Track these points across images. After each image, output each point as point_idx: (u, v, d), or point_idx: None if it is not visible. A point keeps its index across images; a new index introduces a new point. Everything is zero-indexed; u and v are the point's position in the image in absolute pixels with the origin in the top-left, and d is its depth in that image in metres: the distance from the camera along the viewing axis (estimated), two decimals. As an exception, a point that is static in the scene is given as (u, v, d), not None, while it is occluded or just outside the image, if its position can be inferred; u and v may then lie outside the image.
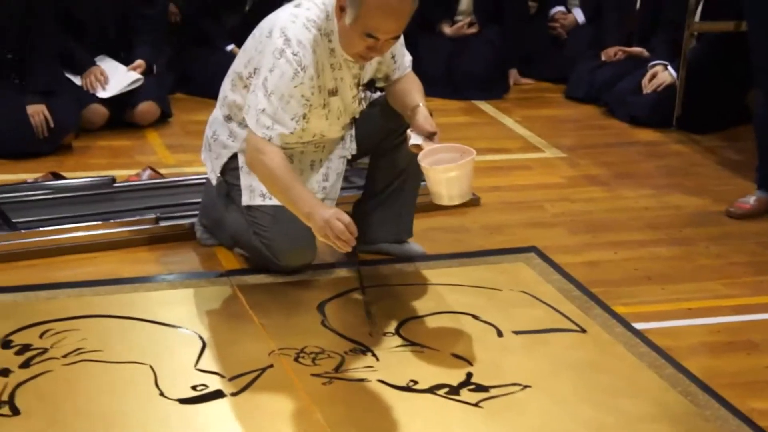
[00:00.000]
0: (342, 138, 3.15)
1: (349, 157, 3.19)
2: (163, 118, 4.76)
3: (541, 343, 2.85)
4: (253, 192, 3.04)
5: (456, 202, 2.80)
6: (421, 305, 3.04)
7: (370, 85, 3.07)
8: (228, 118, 3.11)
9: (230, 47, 5.23)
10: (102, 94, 4.56)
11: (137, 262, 3.28)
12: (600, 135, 4.88)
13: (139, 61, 4.69)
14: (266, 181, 2.89)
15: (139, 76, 4.64)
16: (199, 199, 3.54)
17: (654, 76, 5.01)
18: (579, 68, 5.44)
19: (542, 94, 5.58)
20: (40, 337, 2.77)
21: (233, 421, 2.43)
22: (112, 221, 3.43)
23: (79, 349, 2.71)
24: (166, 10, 5.23)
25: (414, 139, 2.87)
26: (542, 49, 5.76)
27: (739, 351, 2.88)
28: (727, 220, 3.83)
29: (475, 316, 2.99)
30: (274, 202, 2.97)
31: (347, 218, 2.69)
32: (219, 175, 3.17)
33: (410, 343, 2.82)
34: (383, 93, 3.16)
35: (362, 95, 3.07)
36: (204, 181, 3.74)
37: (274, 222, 3.02)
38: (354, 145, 3.18)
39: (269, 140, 2.85)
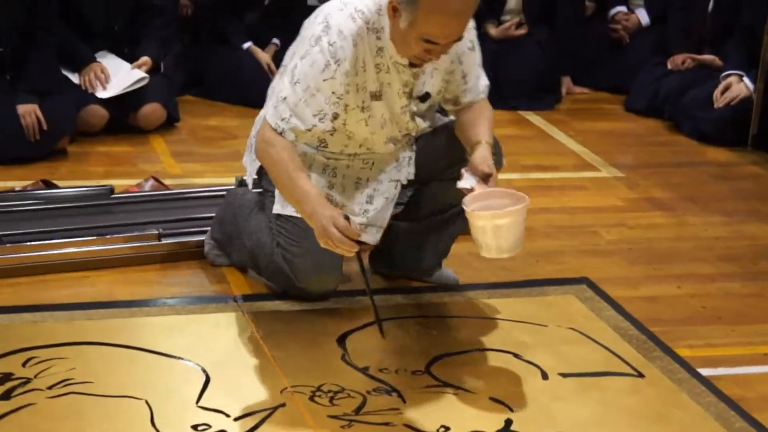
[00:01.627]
0: (396, 159, 3.13)
1: (404, 183, 3.16)
2: (169, 123, 4.80)
3: (591, 387, 2.82)
4: (286, 202, 3.04)
5: (505, 256, 2.79)
6: (455, 341, 3.02)
7: (425, 98, 3.03)
8: None
9: (247, 45, 5.26)
10: (102, 93, 4.60)
11: (136, 284, 3.28)
12: (664, 153, 4.87)
13: (144, 58, 4.72)
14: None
15: (144, 74, 4.67)
16: (208, 214, 3.55)
17: (727, 88, 4.99)
18: (641, 77, 5.44)
19: (599, 105, 5.58)
20: (23, 365, 2.76)
21: (238, 466, 2.42)
22: (108, 237, 3.43)
23: (66, 380, 2.70)
24: (177, 1, 5.27)
25: (466, 179, 2.84)
26: (600, 55, 5.76)
27: (821, 403, 2.83)
28: (809, 253, 3.80)
29: (516, 355, 2.96)
30: None
31: (343, 222, 2.71)
32: (255, 177, 3.18)
33: (442, 383, 2.79)
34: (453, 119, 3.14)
35: (414, 108, 3.04)
36: (215, 193, 3.78)
37: (304, 237, 3.01)
38: (412, 170, 3.15)
39: (282, 133, 2.87)
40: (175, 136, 4.74)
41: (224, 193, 3.80)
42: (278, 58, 5.23)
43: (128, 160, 4.39)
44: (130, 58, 4.74)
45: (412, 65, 2.91)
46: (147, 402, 2.62)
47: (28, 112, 4.23)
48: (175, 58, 5.13)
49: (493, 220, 2.72)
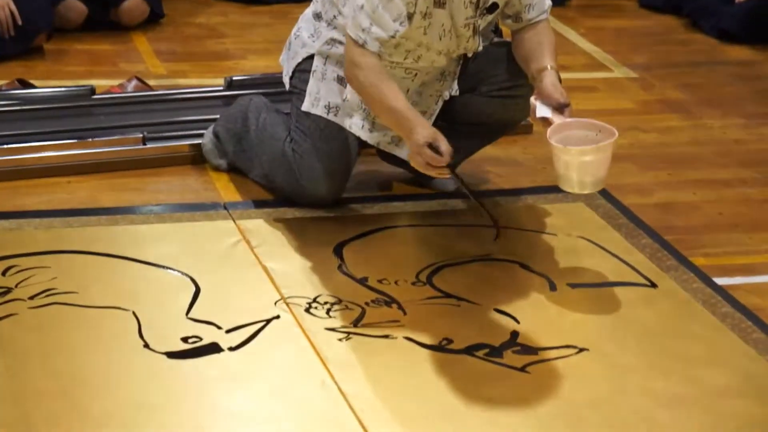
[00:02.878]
0: (442, 73, 3.12)
1: (447, 98, 3.16)
2: (152, 19, 4.75)
3: (602, 298, 2.84)
4: (317, 101, 3.06)
5: (587, 191, 2.86)
6: (458, 250, 3.03)
7: (493, 9, 2.99)
8: (317, 16, 3.12)
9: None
10: (80, -13, 4.55)
11: (119, 190, 3.28)
12: (681, 52, 4.85)
13: (125, -50, 4.65)
14: (363, 98, 2.95)
15: (126, -34, 4.61)
16: (195, 117, 3.55)
17: (751, -19, 4.94)
18: (657, -31, 5.38)
19: (613, 0, 5.53)
20: (3, 274, 2.77)
21: (230, 380, 2.44)
22: (89, 140, 3.42)
23: (49, 290, 2.71)
24: None
25: (540, 110, 2.85)
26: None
27: (843, 312, 2.86)
28: (834, 158, 3.80)
29: (524, 265, 2.97)
30: (337, 119, 3.02)
31: (442, 144, 2.76)
32: (290, 77, 3.18)
33: (445, 294, 2.81)
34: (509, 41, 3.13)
35: (479, 21, 3.00)
36: (203, 95, 3.77)
37: (321, 138, 3.05)
38: (456, 86, 3.15)
39: (364, 45, 2.87)
40: (159, 33, 4.69)
41: (212, 94, 3.82)
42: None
43: (109, 59, 4.36)
44: (111, -51, 4.67)
45: None
46: (134, 313, 2.64)
47: (1, 5, 4.18)
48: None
49: (581, 156, 2.75)
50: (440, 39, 2.99)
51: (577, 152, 2.76)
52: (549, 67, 2.92)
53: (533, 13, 3.05)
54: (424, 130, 2.80)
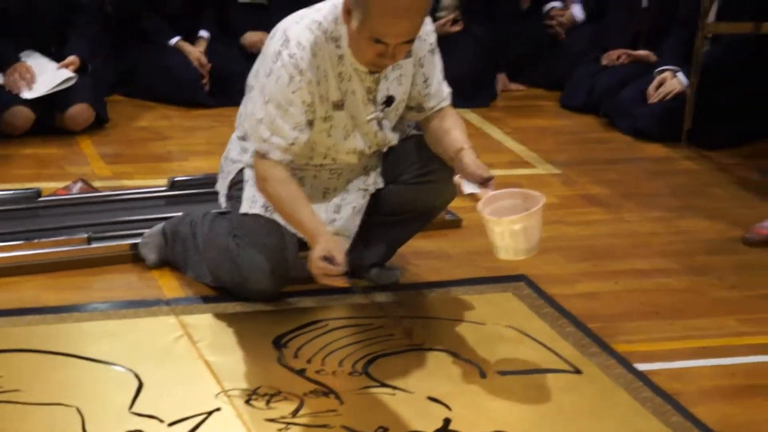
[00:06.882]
0: (364, 169, 3.16)
1: (372, 192, 3.19)
2: (98, 124, 4.76)
3: (530, 385, 2.85)
4: (255, 203, 3.07)
5: (522, 257, 2.83)
6: (392, 341, 3.03)
7: (389, 102, 3.05)
8: (242, 138, 3.16)
9: (175, 40, 5.22)
10: (27, 94, 4.55)
11: (64, 289, 3.26)
12: (600, 149, 4.92)
13: (71, 58, 4.68)
14: (276, 209, 2.99)
15: (72, 74, 4.63)
16: (139, 217, 3.57)
17: (662, 84, 5.06)
18: (577, 73, 5.49)
19: (535, 102, 5.63)
20: (-51, 373, 2.73)
21: (173, 472, 2.41)
22: (36, 241, 3.41)
23: (-6, 388, 2.68)
24: (102, -2, 5.23)
25: (467, 187, 2.88)
26: (535, 51, 5.80)
27: (757, 396, 2.89)
28: (744, 247, 3.86)
29: (454, 354, 2.98)
30: (275, 216, 3.03)
31: (337, 256, 2.76)
32: (227, 191, 3.20)
33: (380, 383, 2.81)
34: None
35: (381, 115, 3.05)
36: (146, 195, 3.79)
37: (262, 233, 3.05)
38: (380, 180, 3.19)
39: (266, 155, 2.91)
40: (104, 137, 4.70)
41: (155, 194, 3.82)
42: (209, 52, 5.24)
43: (55, 162, 4.35)
44: (57, 57, 4.69)
45: (372, 72, 2.94)
46: (78, 409, 2.60)
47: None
48: (104, 57, 5.08)
49: (512, 225, 2.75)
50: (345, 139, 3.04)
51: (509, 222, 2.76)
52: (465, 146, 2.95)
53: (433, 101, 3.09)
54: (321, 241, 2.80)
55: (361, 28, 2.78)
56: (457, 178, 2.91)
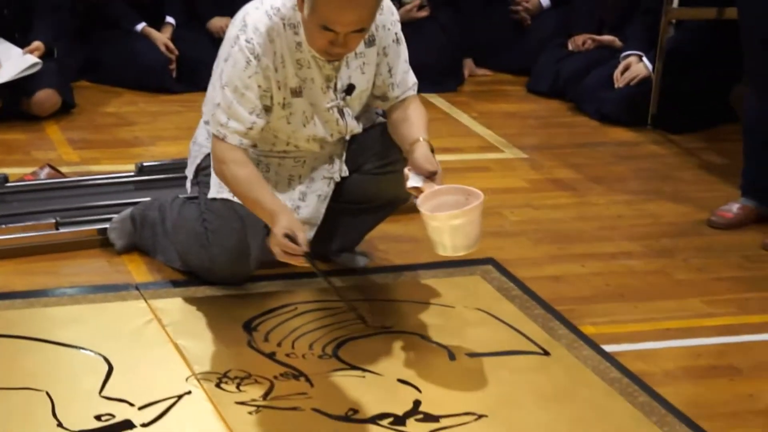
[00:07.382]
0: (330, 157, 3.15)
1: (337, 180, 3.18)
2: (64, 109, 4.72)
3: (498, 367, 2.86)
4: (223, 187, 3.05)
5: (461, 253, 2.79)
6: (361, 324, 3.03)
7: (350, 91, 3.03)
8: (208, 123, 3.13)
9: (140, 26, 5.19)
10: (-8, 80, 4.51)
11: (33, 274, 3.24)
12: (566, 134, 4.94)
13: (36, 43, 4.64)
14: (234, 193, 2.97)
15: (37, 59, 4.59)
16: (107, 202, 3.54)
17: (627, 68, 5.08)
18: (543, 58, 5.50)
19: (501, 87, 5.63)
20: None
21: (144, 456, 2.41)
22: (3, 227, 3.38)
23: (-38, 373, 2.66)
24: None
25: (412, 180, 2.85)
26: (501, 37, 5.80)
27: (721, 377, 2.92)
28: (709, 230, 3.89)
29: (424, 337, 2.99)
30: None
31: (300, 234, 2.74)
32: (193, 177, 3.19)
33: (350, 366, 2.82)
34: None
35: (341, 103, 3.03)
36: (113, 181, 3.76)
37: (231, 217, 3.04)
38: (345, 168, 3.18)
39: (224, 139, 2.90)
40: (70, 122, 4.66)
41: (123, 180, 3.81)
42: (176, 38, 5.22)
43: (22, 148, 4.32)
44: (22, 43, 4.65)
45: (330, 60, 2.93)
46: (48, 393, 2.59)
47: None
48: (70, 43, 5.04)
49: (450, 221, 2.73)
50: (304, 126, 3.04)
51: (446, 217, 2.74)
52: (421, 139, 2.94)
53: (398, 91, 3.09)
54: (283, 220, 2.78)
55: (311, 15, 2.77)
56: (406, 170, 2.89)
